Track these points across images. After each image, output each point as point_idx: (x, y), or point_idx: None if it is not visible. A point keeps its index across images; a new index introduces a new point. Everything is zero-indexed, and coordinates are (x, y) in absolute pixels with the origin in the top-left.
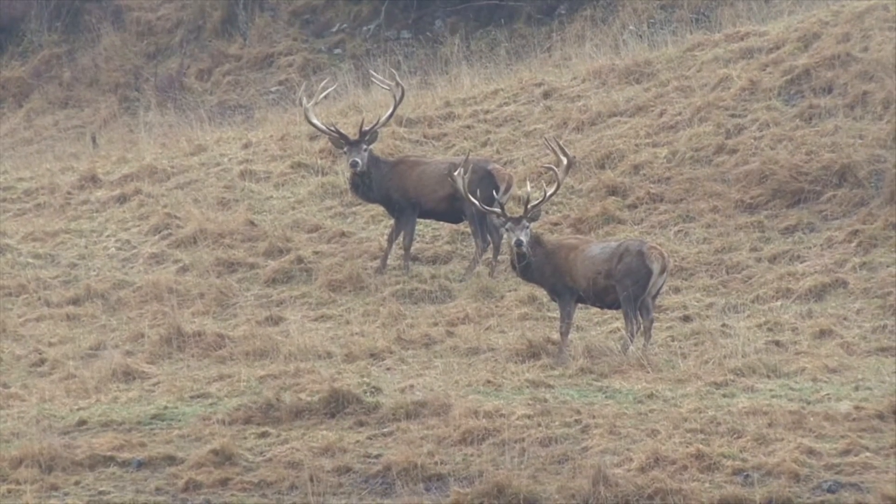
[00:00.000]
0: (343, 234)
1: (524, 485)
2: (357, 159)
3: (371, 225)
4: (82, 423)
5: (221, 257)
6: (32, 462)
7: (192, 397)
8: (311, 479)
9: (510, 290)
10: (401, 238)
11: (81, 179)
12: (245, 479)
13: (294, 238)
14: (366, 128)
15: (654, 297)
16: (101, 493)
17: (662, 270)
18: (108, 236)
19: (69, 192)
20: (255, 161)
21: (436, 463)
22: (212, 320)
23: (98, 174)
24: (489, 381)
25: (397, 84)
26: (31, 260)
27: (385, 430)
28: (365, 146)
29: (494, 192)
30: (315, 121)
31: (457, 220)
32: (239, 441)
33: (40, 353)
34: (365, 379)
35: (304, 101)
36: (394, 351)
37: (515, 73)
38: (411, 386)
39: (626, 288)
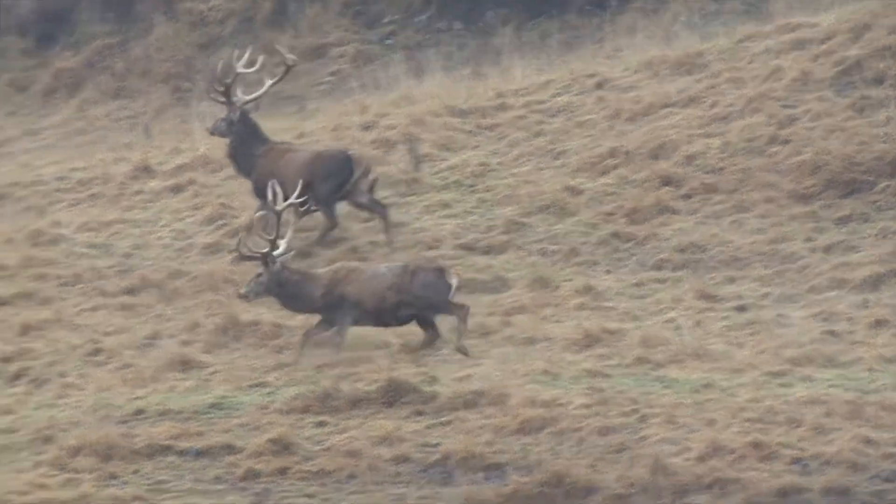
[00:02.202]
0: (396, 224)
1: (583, 474)
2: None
3: (425, 215)
4: (140, 412)
5: None
6: (91, 451)
7: (249, 386)
8: (370, 469)
9: (566, 280)
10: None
11: (135, 170)
12: (304, 468)
13: (349, 228)
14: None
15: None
16: (159, 481)
17: (458, 287)
18: (162, 226)
19: (123, 183)
20: None
21: (494, 452)
22: (268, 310)
23: (151, 164)
24: (546, 371)
25: (283, 57)
26: (86, 250)
27: (443, 419)
28: (233, 115)
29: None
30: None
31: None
32: (297, 430)
33: (96, 343)
34: (422, 368)
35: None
36: (450, 340)
37: (567, 64)
38: (468, 375)
39: (431, 303)
